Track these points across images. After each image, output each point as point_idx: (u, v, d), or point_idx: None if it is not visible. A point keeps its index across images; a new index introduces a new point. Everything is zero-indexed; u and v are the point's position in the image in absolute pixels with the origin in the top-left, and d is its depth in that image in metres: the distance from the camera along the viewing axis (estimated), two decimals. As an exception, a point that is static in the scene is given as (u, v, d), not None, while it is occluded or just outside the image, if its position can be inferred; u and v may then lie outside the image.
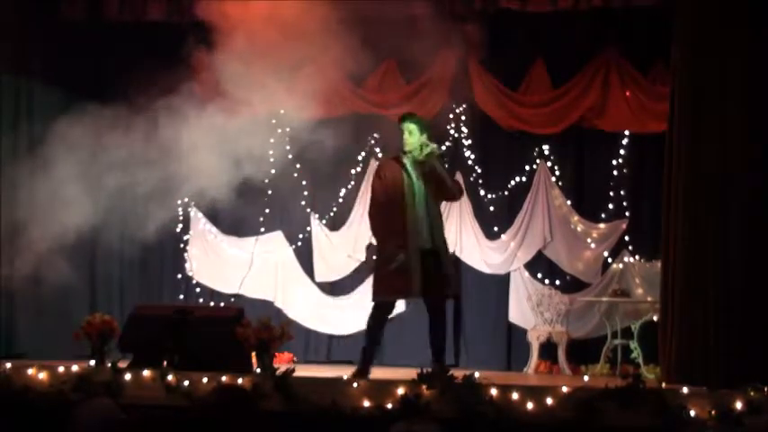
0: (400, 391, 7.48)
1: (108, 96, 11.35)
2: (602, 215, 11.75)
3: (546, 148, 11.90)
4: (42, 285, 11.48)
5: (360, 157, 12.26)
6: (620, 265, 11.60)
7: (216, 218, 12.48)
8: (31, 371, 8.24)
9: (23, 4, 11.58)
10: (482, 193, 12.01)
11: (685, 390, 7.43)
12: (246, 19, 10.63)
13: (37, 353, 10.98)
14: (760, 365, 8.44)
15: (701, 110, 9.18)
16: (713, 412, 7.10)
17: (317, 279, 12.37)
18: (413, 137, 9.04)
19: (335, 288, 12.39)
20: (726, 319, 8.88)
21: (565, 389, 7.37)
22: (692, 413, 7.11)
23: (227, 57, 10.77)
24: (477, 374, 7.68)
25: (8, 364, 8.49)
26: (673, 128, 9.49)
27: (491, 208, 12.01)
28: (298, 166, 12.19)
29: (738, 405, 7.12)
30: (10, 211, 11.29)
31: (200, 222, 12.57)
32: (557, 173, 11.87)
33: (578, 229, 11.79)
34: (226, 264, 12.50)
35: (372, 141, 12.22)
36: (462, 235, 12.01)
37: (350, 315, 12.13)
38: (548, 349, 11.44)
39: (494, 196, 12.01)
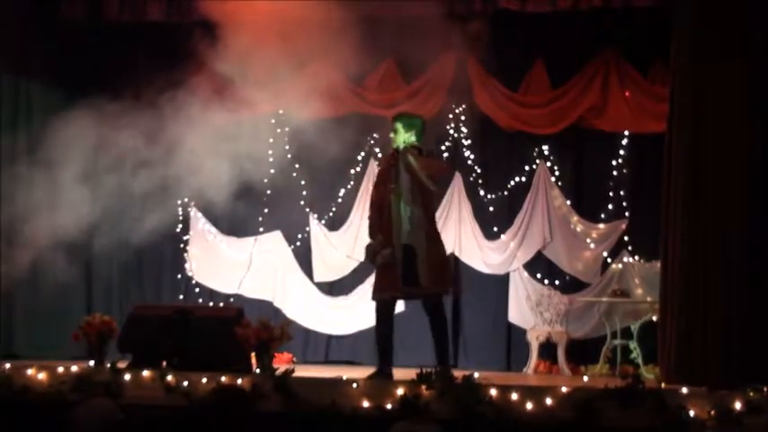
0: (400, 391, 7.47)
1: (107, 96, 11.33)
2: (602, 215, 11.75)
3: (545, 148, 11.90)
4: (40, 285, 11.49)
5: (359, 158, 12.25)
6: (620, 266, 11.60)
7: (215, 218, 12.47)
8: (30, 371, 8.23)
9: (23, 3, 11.57)
10: (482, 193, 12.01)
11: (685, 390, 7.43)
12: (246, 19, 10.63)
13: (35, 353, 11.03)
14: (759, 366, 8.44)
15: (701, 110, 9.18)
16: (712, 412, 7.10)
17: (316, 279, 12.37)
18: (398, 136, 9.05)
19: (334, 288, 12.39)
20: (725, 319, 8.88)
21: (564, 389, 7.37)
22: (692, 413, 7.11)
23: (227, 57, 10.77)
24: (476, 375, 7.68)
25: (7, 365, 8.49)
26: (672, 128, 9.49)
27: (491, 208, 12.01)
28: (297, 166, 12.19)
29: (738, 405, 7.12)
30: (8, 210, 11.29)
31: (199, 222, 12.57)
32: (556, 173, 11.87)
33: (578, 229, 11.79)
34: (225, 264, 12.50)
35: (372, 142, 12.21)
36: (462, 235, 12.01)
37: (349, 315, 12.15)
38: (547, 349, 11.44)
39: (493, 196, 12.01)
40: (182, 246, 12.59)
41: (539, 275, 11.82)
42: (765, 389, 7.28)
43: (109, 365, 8.29)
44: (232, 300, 12.29)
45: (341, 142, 11.58)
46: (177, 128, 11.11)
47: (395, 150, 9.11)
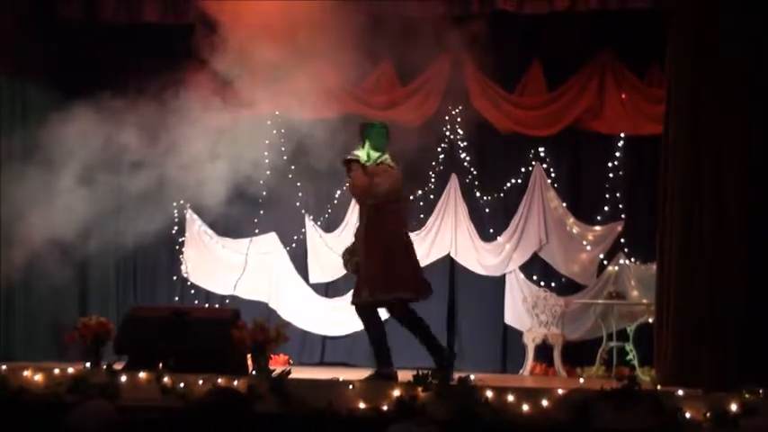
0: (396, 393, 7.48)
1: (103, 97, 11.31)
2: (598, 217, 11.75)
3: (542, 150, 11.89)
4: (36, 286, 11.47)
5: (356, 159, 12.24)
6: (616, 268, 11.60)
7: (211, 219, 12.45)
8: (26, 373, 8.24)
9: (20, 4, 11.56)
10: (478, 194, 12.01)
11: (680, 392, 7.45)
12: (242, 21, 10.62)
13: (30, 355, 11.02)
14: (755, 368, 8.46)
15: (697, 112, 9.20)
16: (708, 414, 7.12)
17: (312, 280, 12.36)
18: (361, 145, 9.20)
19: (330, 289, 12.37)
20: (721, 321, 8.89)
21: (560, 391, 7.38)
22: (688, 415, 7.13)
23: (223, 58, 10.76)
24: (472, 376, 7.69)
25: (3, 366, 8.49)
26: (669, 130, 9.50)
27: (487, 210, 12.01)
28: (293, 167, 12.17)
29: (733, 407, 7.14)
30: (4, 211, 11.28)
31: (195, 224, 12.56)
32: (552, 175, 11.87)
33: (574, 231, 11.79)
34: (221, 265, 12.49)
35: (367, 143, 12.21)
36: (458, 237, 12.01)
37: (344, 316, 12.12)
38: (543, 351, 11.43)
39: (489, 198, 12.00)
40: (177, 247, 12.59)
41: (535, 277, 11.82)
42: (761, 391, 7.29)
43: (105, 367, 8.29)
44: (228, 301, 12.28)
45: (337, 144, 11.57)
46: (173, 129, 11.10)
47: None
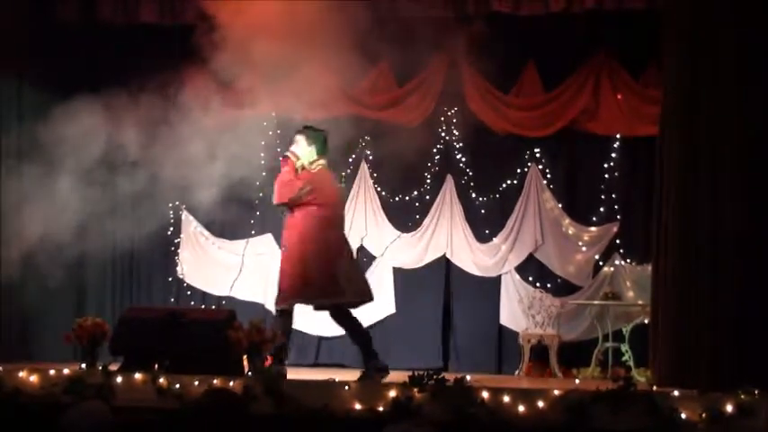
0: (392, 393, 7.48)
1: (100, 97, 11.31)
2: (594, 218, 11.75)
3: (537, 150, 11.90)
4: (31, 287, 11.46)
5: (350, 160, 12.25)
6: (611, 268, 11.61)
7: (207, 220, 12.44)
8: (21, 373, 8.22)
9: (18, 4, 11.55)
10: (473, 195, 12.01)
11: (676, 393, 7.45)
12: (238, 22, 10.61)
13: (26, 356, 11.01)
14: (750, 368, 8.46)
15: (693, 112, 9.20)
16: (704, 415, 7.12)
17: (308, 281, 12.35)
18: (299, 147, 9.50)
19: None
20: (716, 322, 8.90)
21: (556, 392, 7.37)
22: (683, 416, 7.12)
23: (219, 59, 10.75)
24: (468, 377, 7.69)
25: (-1, 367, 8.48)
26: (664, 131, 9.51)
27: (482, 211, 12.01)
28: (289, 168, 12.16)
29: (729, 408, 7.13)
30: (1, 210, 11.28)
31: (191, 225, 12.55)
32: (548, 176, 11.87)
33: (569, 231, 11.79)
34: (217, 266, 12.48)
35: (363, 144, 12.22)
36: (453, 237, 12.01)
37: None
38: (539, 352, 11.44)
39: (485, 199, 12.01)
40: (173, 248, 12.57)
41: (530, 278, 11.82)
42: (756, 391, 7.29)
43: (101, 368, 8.28)
44: (224, 302, 12.27)
45: (333, 144, 11.55)
46: (169, 130, 11.10)
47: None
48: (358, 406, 7.50)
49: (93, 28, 11.94)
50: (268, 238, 12.39)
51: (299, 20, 10.55)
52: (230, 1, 10.79)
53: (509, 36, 11.54)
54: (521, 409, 7.31)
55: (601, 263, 11.67)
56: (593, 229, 11.75)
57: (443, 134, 12.10)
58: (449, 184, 12.06)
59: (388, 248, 12.13)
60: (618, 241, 11.64)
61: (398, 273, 12.12)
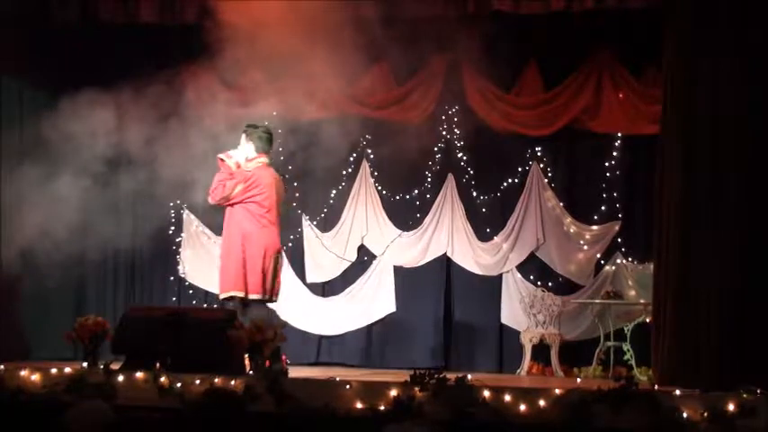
0: (393, 392, 7.48)
1: (99, 97, 11.31)
2: (595, 217, 11.75)
3: (538, 149, 11.90)
4: (32, 286, 11.47)
5: (351, 159, 12.25)
6: (613, 267, 11.61)
7: (208, 220, 12.44)
8: (23, 372, 8.23)
9: (16, 4, 11.55)
10: (474, 194, 12.01)
11: (678, 392, 7.44)
12: (238, 21, 10.61)
13: (28, 355, 11.02)
14: (753, 368, 8.46)
15: (694, 111, 9.20)
16: (706, 414, 7.11)
17: (309, 280, 12.36)
18: (240, 146, 9.84)
19: (326, 289, 12.38)
20: (718, 321, 8.89)
21: (557, 391, 7.37)
22: (685, 415, 7.12)
23: (220, 58, 10.76)
24: (469, 376, 7.69)
25: (0, 366, 8.48)
26: (665, 129, 9.50)
27: (483, 209, 12.01)
28: (289, 167, 12.17)
29: (731, 407, 7.13)
30: (2, 210, 11.28)
31: (192, 224, 12.55)
32: (549, 174, 11.87)
33: (571, 230, 11.79)
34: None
35: (364, 143, 12.22)
36: (454, 236, 12.01)
37: (340, 316, 12.14)
38: (540, 351, 11.44)
39: (486, 198, 12.01)
40: (174, 247, 12.58)
41: (532, 277, 11.82)
42: (759, 391, 7.29)
43: (102, 367, 8.28)
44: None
45: (333, 143, 11.59)
46: (170, 129, 11.10)
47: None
48: (359, 405, 7.50)
49: (93, 28, 11.92)
50: (269, 237, 12.37)
51: (300, 19, 10.54)
52: (230, 1, 10.79)
53: (510, 35, 11.52)
54: (522, 408, 7.31)
55: (602, 262, 11.67)
56: (594, 227, 11.75)
57: (444, 133, 12.10)
58: (450, 183, 12.06)
59: (388, 247, 12.13)
60: (619, 240, 11.63)
61: (399, 271, 12.13)
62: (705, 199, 9.06)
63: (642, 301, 11.06)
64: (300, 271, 12.38)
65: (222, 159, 9.79)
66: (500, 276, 11.91)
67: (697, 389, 7.67)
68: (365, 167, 12.23)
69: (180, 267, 12.52)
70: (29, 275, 11.42)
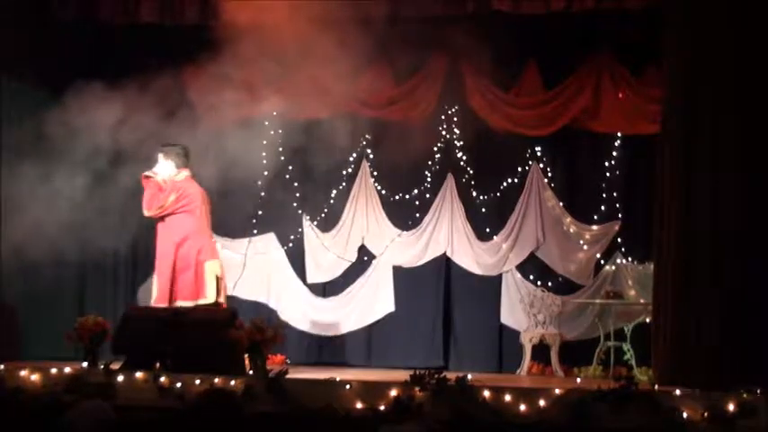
0: (393, 392, 7.48)
1: (101, 97, 11.30)
2: (595, 216, 11.74)
3: (538, 149, 11.89)
4: (33, 286, 11.46)
5: (351, 158, 12.25)
6: (613, 267, 11.60)
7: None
8: (23, 372, 8.23)
9: (18, 4, 11.54)
10: (474, 194, 12.00)
11: (678, 392, 7.46)
12: (238, 21, 10.61)
13: (28, 355, 11.00)
14: (752, 368, 8.46)
15: (694, 111, 9.20)
16: (706, 414, 7.12)
17: (309, 280, 12.34)
18: (159, 165, 10.51)
19: (327, 289, 12.37)
20: (718, 321, 8.90)
21: (557, 391, 7.39)
22: (685, 415, 7.14)
23: (220, 59, 10.75)
24: (469, 376, 7.70)
25: (1, 366, 8.48)
26: (665, 129, 9.51)
27: (483, 209, 12.00)
28: (290, 167, 12.17)
29: (731, 407, 7.14)
30: (2, 210, 11.27)
31: (193, 224, 12.54)
32: (549, 174, 11.86)
33: (571, 230, 11.78)
34: (219, 265, 12.48)
35: (364, 142, 12.21)
36: (454, 236, 12.00)
37: (340, 316, 12.13)
38: (540, 351, 11.42)
39: (486, 198, 12.00)
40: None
41: (531, 277, 11.81)
42: (758, 391, 7.30)
43: (102, 367, 8.29)
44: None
45: (333, 143, 11.58)
46: (171, 129, 11.09)
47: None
48: (359, 405, 7.51)
49: (93, 28, 11.92)
50: (270, 236, 12.38)
51: (299, 19, 10.54)
52: (231, 1, 10.79)
53: (509, 35, 11.51)
54: (522, 408, 7.32)
55: (602, 261, 11.66)
56: (594, 227, 11.74)
57: (444, 133, 12.09)
58: (449, 183, 12.05)
59: (388, 247, 12.12)
60: (619, 240, 11.62)
61: (398, 271, 12.12)
62: (705, 198, 9.06)
63: (642, 301, 11.06)
64: (301, 271, 12.37)
65: (148, 176, 10.42)
66: (500, 276, 11.90)
67: (697, 388, 7.67)
68: (365, 167, 12.22)
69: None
70: (31, 276, 11.40)
